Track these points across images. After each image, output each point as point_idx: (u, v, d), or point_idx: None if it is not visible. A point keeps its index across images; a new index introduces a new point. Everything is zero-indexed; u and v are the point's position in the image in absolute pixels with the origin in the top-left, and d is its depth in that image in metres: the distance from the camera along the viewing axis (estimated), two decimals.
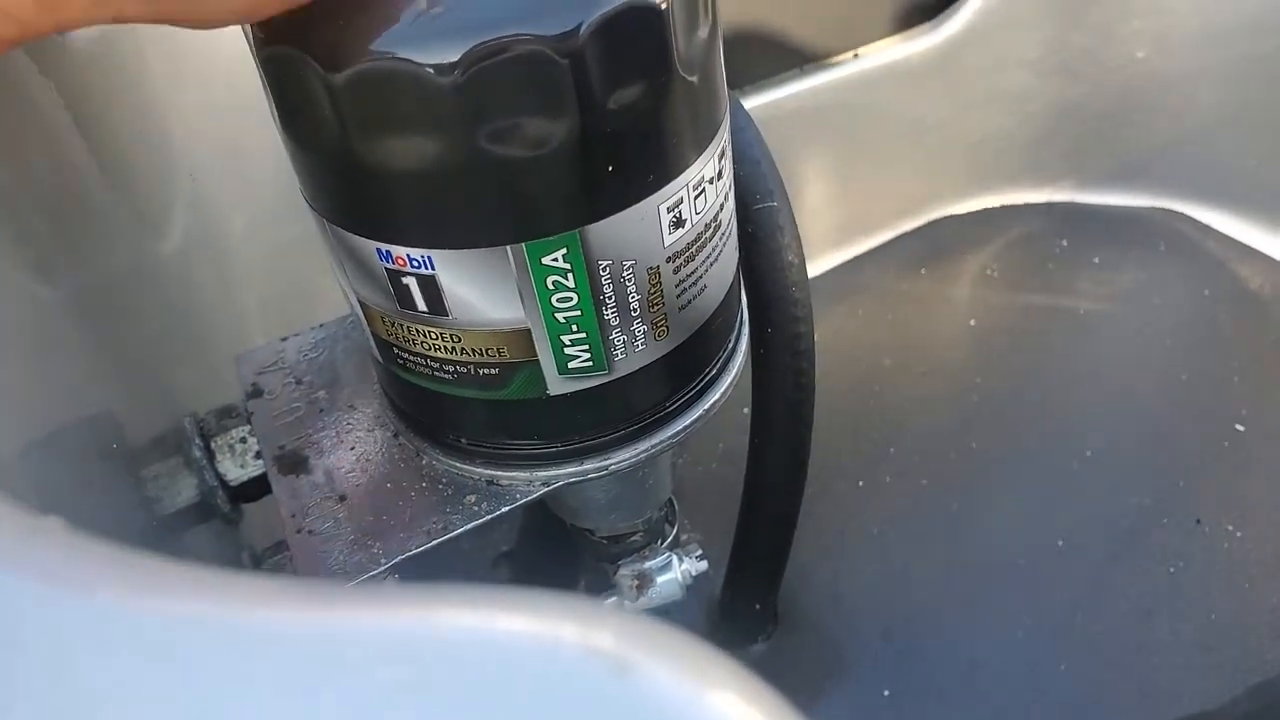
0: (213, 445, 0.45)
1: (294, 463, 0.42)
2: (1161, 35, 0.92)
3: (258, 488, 0.45)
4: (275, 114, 0.31)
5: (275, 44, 0.28)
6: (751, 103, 0.85)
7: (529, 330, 0.33)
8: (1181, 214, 1.00)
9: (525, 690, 0.13)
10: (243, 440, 0.45)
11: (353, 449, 0.42)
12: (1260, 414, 0.81)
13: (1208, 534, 0.73)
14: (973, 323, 0.92)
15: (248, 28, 0.30)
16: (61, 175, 0.47)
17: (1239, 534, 0.73)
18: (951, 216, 1.02)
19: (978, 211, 1.03)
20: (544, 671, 0.13)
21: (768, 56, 0.85)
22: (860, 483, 0.78)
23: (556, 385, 0.35)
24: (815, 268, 0.97)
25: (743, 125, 0.49)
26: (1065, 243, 0.99)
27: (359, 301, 0.35)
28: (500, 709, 0.13)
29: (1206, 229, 0.99)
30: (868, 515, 0.76)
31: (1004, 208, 1.03)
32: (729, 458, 0.76)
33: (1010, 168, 1.02)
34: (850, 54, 0.89)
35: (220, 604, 0.13)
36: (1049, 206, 1.03)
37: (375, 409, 0.43)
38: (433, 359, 0.35)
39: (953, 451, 0.80)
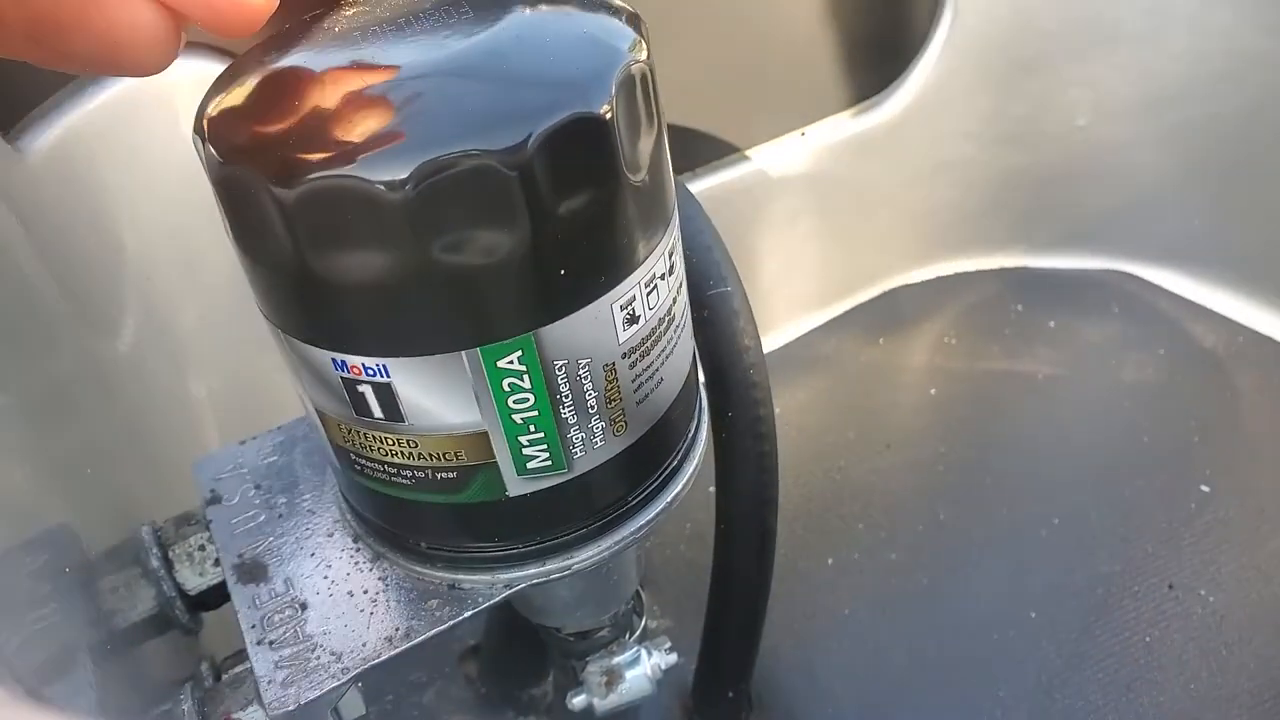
0: (171, 554, 0.44)
1: (253, 571, 0.41)
2: (1100, 103, 0.95)
3: (217, 596, 0.44)
4: (229, 230, 0.31)
5: (228, 163, 0.29)
6: (703, 184, 0.86)
7: (486, 433, 0.33)
8: (1132, 275, 1.02)
9: None
10: (201, 548, 0.44)
11: (313, 555, 0.41)
12: (1224, 474, 0.82)
13: (1181, 599, 0.73)
14: (933, 391, 0.93)
15: (201, 147, 0.30)
16: (10, 280, 0.47)
17: (1212, 599, 0.73)
18: (906, 286, 1.04)
19: (932, 280, 1.04)
20: None
21: (718, 139, 0.87)
22: (829, 560, 0.78)
23: (516, 486, 0.35)
24: (773, 342, 0.98)
25: (692, 213, 0.50)
26: (1020, 307, 1.01)
27: (315, 409, 0.35)
28: None
29: (1157, 289, 1.00)
30: (838, 594, 0.76)
31: (957, 275, 1.05)
32: (697, 538, 0.76)
33: (960, 236, 1.04)
34: (798, 132, 0.90)
35: None
36: (1001, 272, 1.05)
37: (335, 514, 0.42)
38: (390, 464, 0.35)
39: (920, 524, 0.80)
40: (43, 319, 0.49)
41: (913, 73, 0.92)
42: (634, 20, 0.32)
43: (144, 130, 0.54)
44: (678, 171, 0.35)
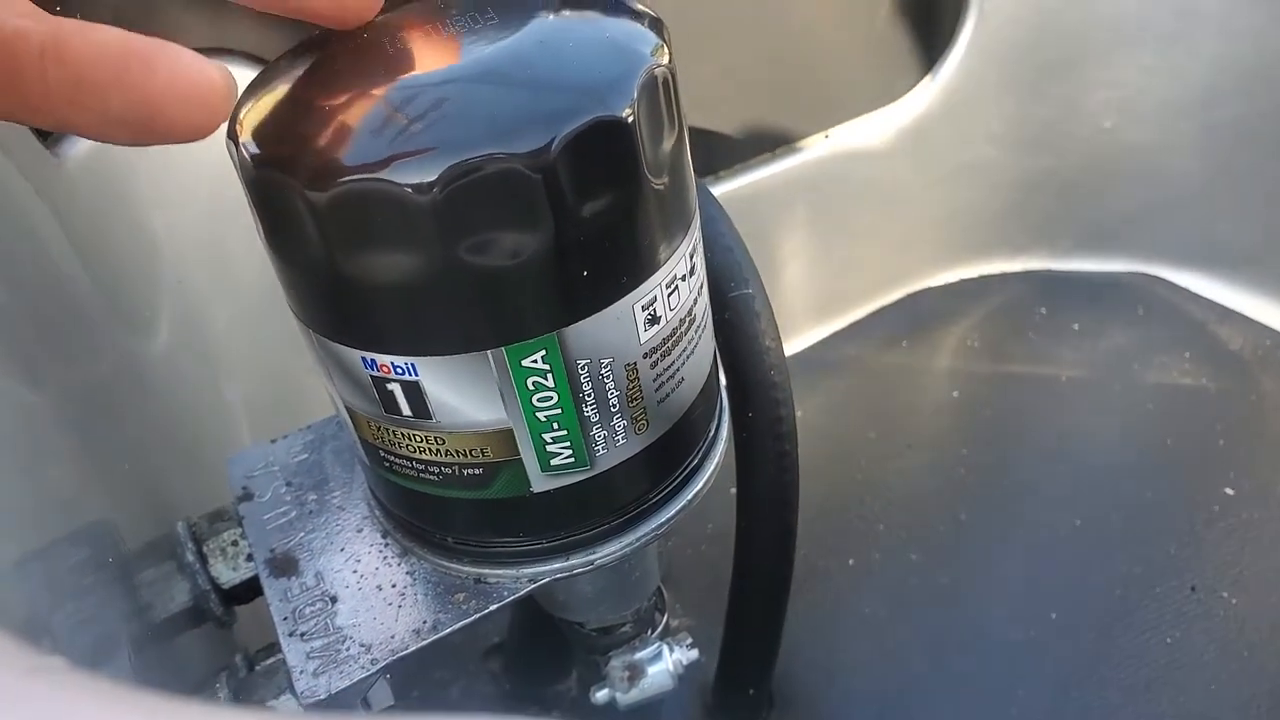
0: (205, 549, 0.45)
1: (285, 565, 0.42)
2: (1127, 106, 0.95)
3: (249, 590, 0.45)
4: (261, 232, 0.32)
5: (261, 167, 0.30)
6: (727, 186, 0.87)
7: (511, 430, 0.34)
8: (1158, 278, 1.02)
9: None
10: (234, 543, 0.45)
11: (342, 550, 0.42)
12: (1248, 477, 0.81)
13: (1203, 601, 0.73)
14: (956, 394, 0.93)
15: (234, 151, 0.31)
16: (51, 284, 0.48)
17: (1234, 601, 0.73)
18: (929, 289, 1.04)
19: (955, 283, 1.05)
20: None
21: (742, 141, 0.87)
22: (850, 561, 0.78)
23: (540, 482, 0.36)
24: (796, 344, 0.99)
25: (714, 215, 0.51)
26: (1044, 310, 1.01)
27: (345, 406, 0.36)
28: None
29: (1184, 292, 1.00)
30: (859, 593, 0.76)
31: (981, 278, 1.05)
32: (717, 539, 0.76)
33: (984, 239, 1.04)
34: (822, 135, 0.91)
35: None
36: (1025, 275, 1.05)
37: (364, 510, 0.43)
38: (418, 461, 0.35)
39: (941, 525, 0.80)
40: (83, 320, 0.50)
41: (937, 75, 0.93)
42: (656, 25, 0.33)
43: None
44: (701, 174, 0.36)
